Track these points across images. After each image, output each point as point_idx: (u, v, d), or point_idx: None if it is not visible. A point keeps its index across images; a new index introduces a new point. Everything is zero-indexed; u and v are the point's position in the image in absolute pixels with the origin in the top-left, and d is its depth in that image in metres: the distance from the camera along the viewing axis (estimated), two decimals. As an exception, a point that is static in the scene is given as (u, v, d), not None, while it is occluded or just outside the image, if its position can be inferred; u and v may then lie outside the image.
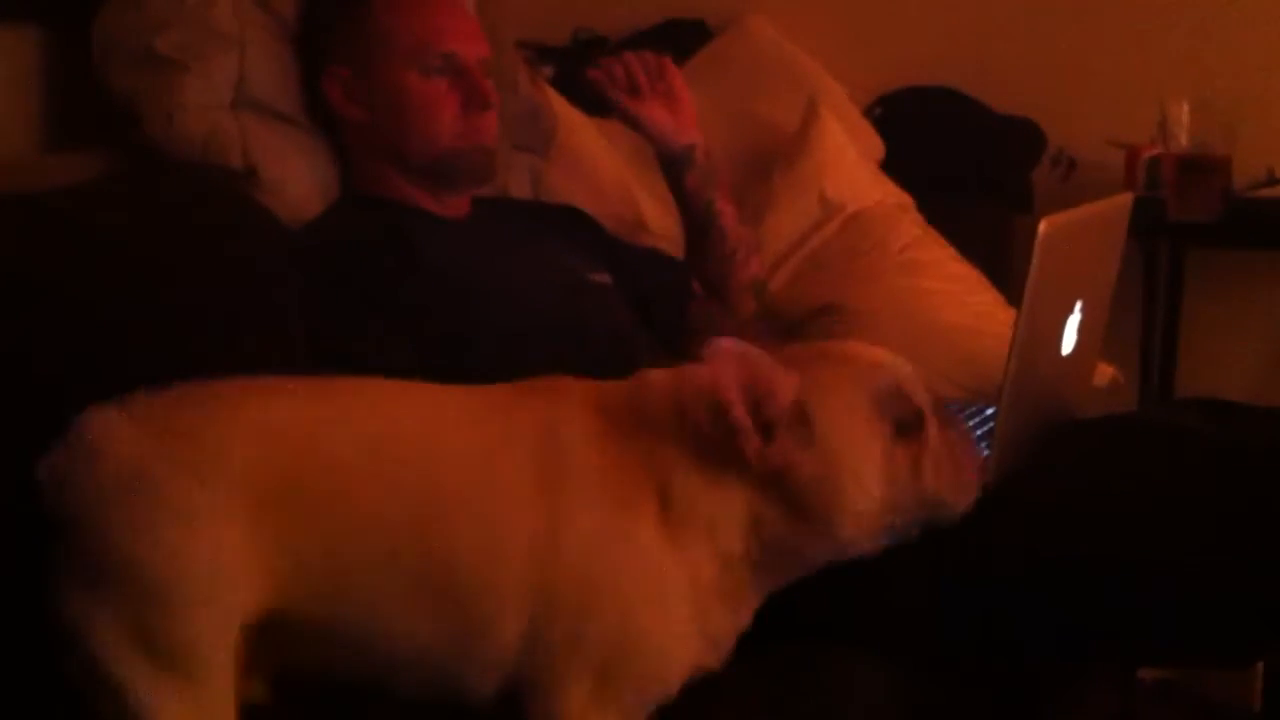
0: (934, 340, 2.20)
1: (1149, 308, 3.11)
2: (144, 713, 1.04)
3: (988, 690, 1.42)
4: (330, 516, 1.08)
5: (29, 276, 1.31)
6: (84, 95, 1.76)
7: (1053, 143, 3.10)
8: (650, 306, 1.87)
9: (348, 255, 1.64)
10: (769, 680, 1.29)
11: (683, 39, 2.86)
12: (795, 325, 2.29)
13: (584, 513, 1.11)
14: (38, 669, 1.08)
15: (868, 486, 1.13)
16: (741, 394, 1.08)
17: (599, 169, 2.35)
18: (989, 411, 1.72)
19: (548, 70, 2.56)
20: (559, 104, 2.33)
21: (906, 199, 2.63)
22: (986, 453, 1.32)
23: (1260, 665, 1.71)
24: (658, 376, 1.19)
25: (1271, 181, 2.89)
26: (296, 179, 1.76)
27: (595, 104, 2.38)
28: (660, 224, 2.28)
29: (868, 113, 3.00)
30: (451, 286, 1.63)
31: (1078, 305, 1.47)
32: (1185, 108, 2.86)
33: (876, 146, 2.83)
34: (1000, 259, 2.67)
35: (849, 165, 2.60)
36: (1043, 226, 1.28)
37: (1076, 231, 1.44)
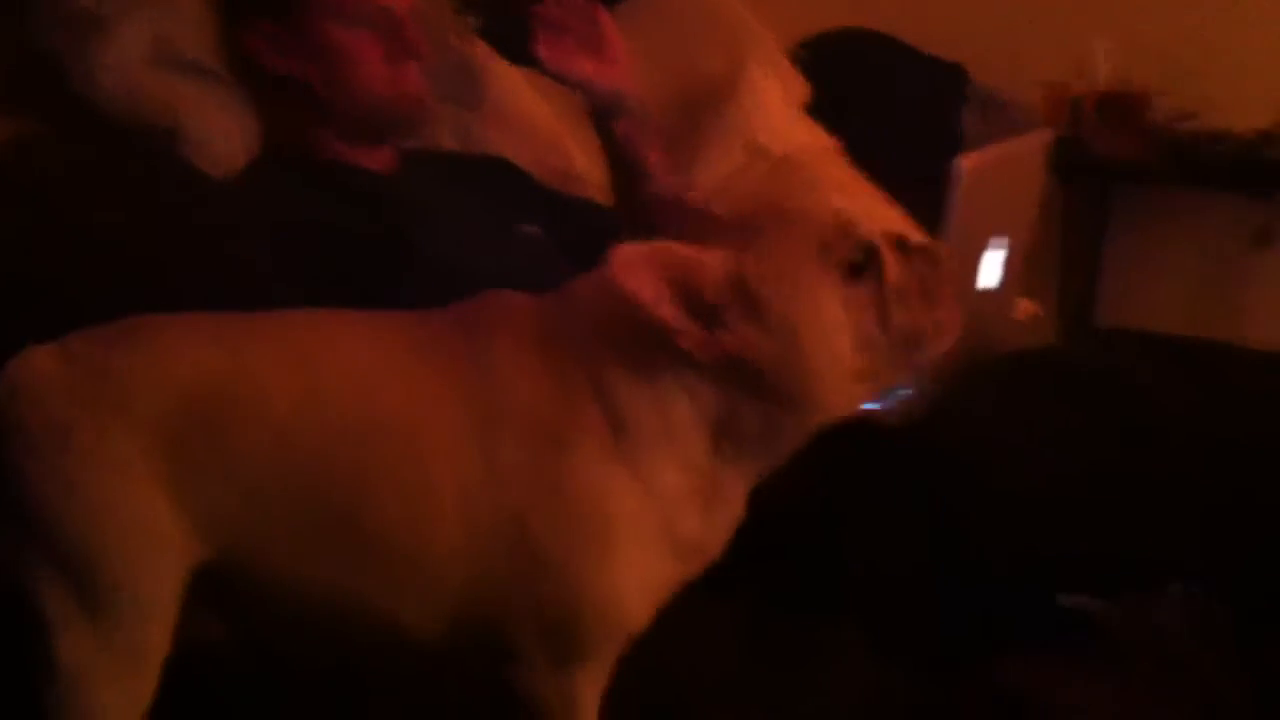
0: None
1: (1069, 243, 3.17)
2: (67, 656, 1.03)
3: (876, 632, 1.44)
4: (252, 465, 1.06)
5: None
6: (7, 55, 1.73)
7: (977, 83, 3.14)
8: (582, 256, 1.87)
9: (275, 210, 1.63)
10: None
11: (609, -14, 2.85)
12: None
13: (518, 449, 1.06)
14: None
15: (831, 343, 1.06)
16: (667, 290, 1.03)
17: (528, 120, 2.35)
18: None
19: (475, 20, 2.55)
20: (487, 55, 2.32)
21: (833, 141, 2.64)
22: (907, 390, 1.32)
23: (1175, 597, 1.76)
24: (584, 289, 1.14)
25: (1190, 117, 2.95)
26: (221, 135, 1.75)
27: (524, 53, 2.38)
28: (590, 173, 2.28)
29: (794, 56, 3.02)
30: (380, 240, 1.63)
31: (999, 241, 1.51)
32: (1105, 47, 2.90)
33: (803, 89, 2.84)
34: (929, 198, 2.70)
35: (777, 110, 2.62)
36: (964, 164, 1.31)
37: (997, 169, 1.47)
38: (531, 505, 1.06)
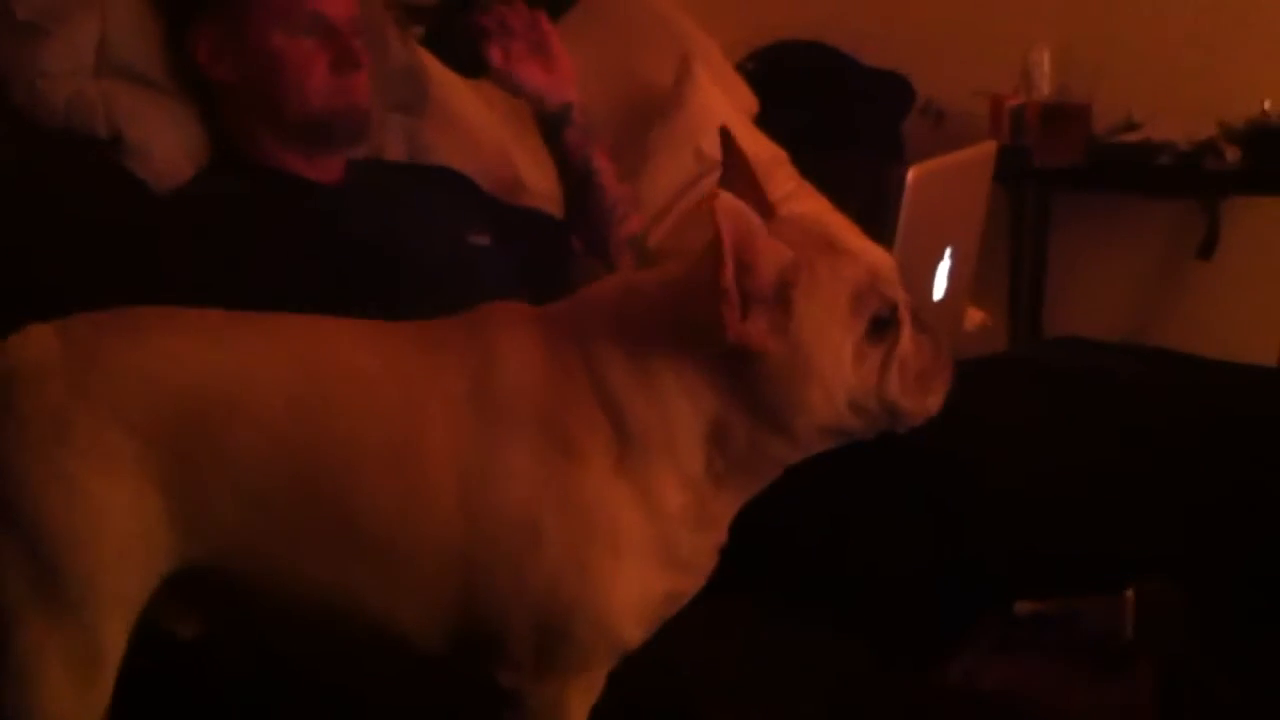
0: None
1: (1016, 252, 3.20)
2: (22, 649, 1.01)
3: (879, 633, 1.45)
4: (247, 465, 1.04)
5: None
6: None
7: (921, 94, 3.17)
8: (530, 266, 1.87)
9: (220, 223, 1.61)
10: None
11: (555, -3, 2.86)
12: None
13: (520, 454, 1.05)
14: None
15: (833, 392, 1.06)
16: (733, 254, 1.01)
17: (475, 129, 2.34)
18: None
19: (418, 30, 2.53)
20: (431, 63, 2.32)
21: (781, 153, 2.66)
22: None
23: (1132, 595, 1.78)
24: (589, 296, 1.13)
25: (1131, 126, 2.99)
26: (163, 144, 1.73)
27: (469, 63, 2.37)
28: (538, 183, 2.28)
29: (741, 68, 3.03)
30: (327, 251, 1.62)
31: (947, 251, 1.51)
32: (1046, 57, 2.94)
33: (750, 101, 2.85)
34: (874, 209, 2.71)
35: (723, 120, 2.62)
36: (910, 174, 1.31)
37: (943, 179, 1.47)
38: (535, 513, 1.05)
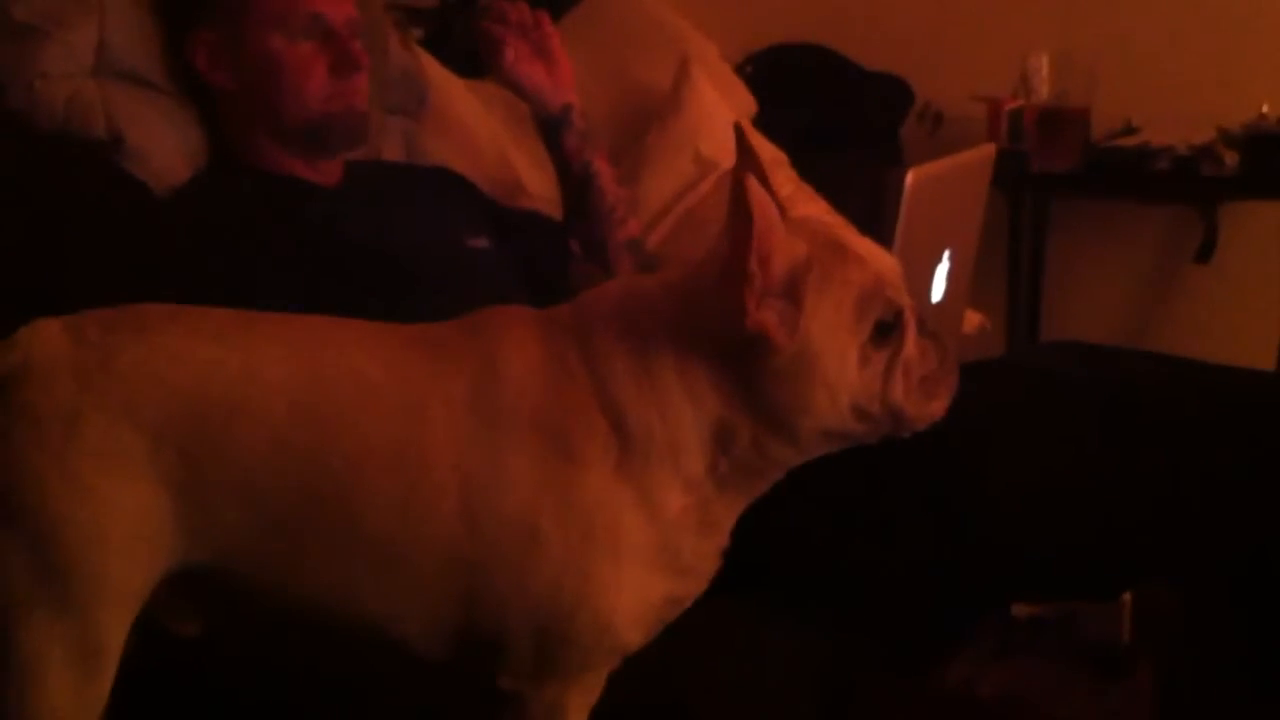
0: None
1: (1014, 256, 3.21)
2: (25, 644, 1.01)
3: (884, 637, 1.45)
4: (250, 466, 1.04)
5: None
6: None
7: (919, 97, 3.17)
8: (529, 269, 1.87)
9: (219, 225, 1.61)
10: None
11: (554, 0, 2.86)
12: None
13: (521, 457, 1.05)
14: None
15: (837, 395, 1.06)
16: (759, 238, 1.01)
17: (473, 131, 2.34)
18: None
19: (418, 32, 2.54)
20: (431, 66, 2.32)
21: (780, 155, 2.66)
22: None
23: (1130, 600, 1.79)
24: (600, 295, 1.13)
25: (1129, 131, 2.99)
26: (163, 147, 1.73)
27: (468, 65, 2.37)
28: (537, 186, 2.28)
29: (739, 70, 3.03)
30: (326, 253, 1.62)
31: (945, 254, 1.51)
32: (1045, 61, 2.94)
33: (749, 103, 2.86)
34: (872, 212, 2.70)
35: (722, 123, 2.63)
36: (909, 178, 1.31)
37: (942, 182, 1.48)
38: (535, 516, 1.05)
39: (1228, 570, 1.37)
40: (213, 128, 1.78)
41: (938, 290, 1.51)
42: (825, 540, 1.42)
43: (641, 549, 1.06)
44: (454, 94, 2.35)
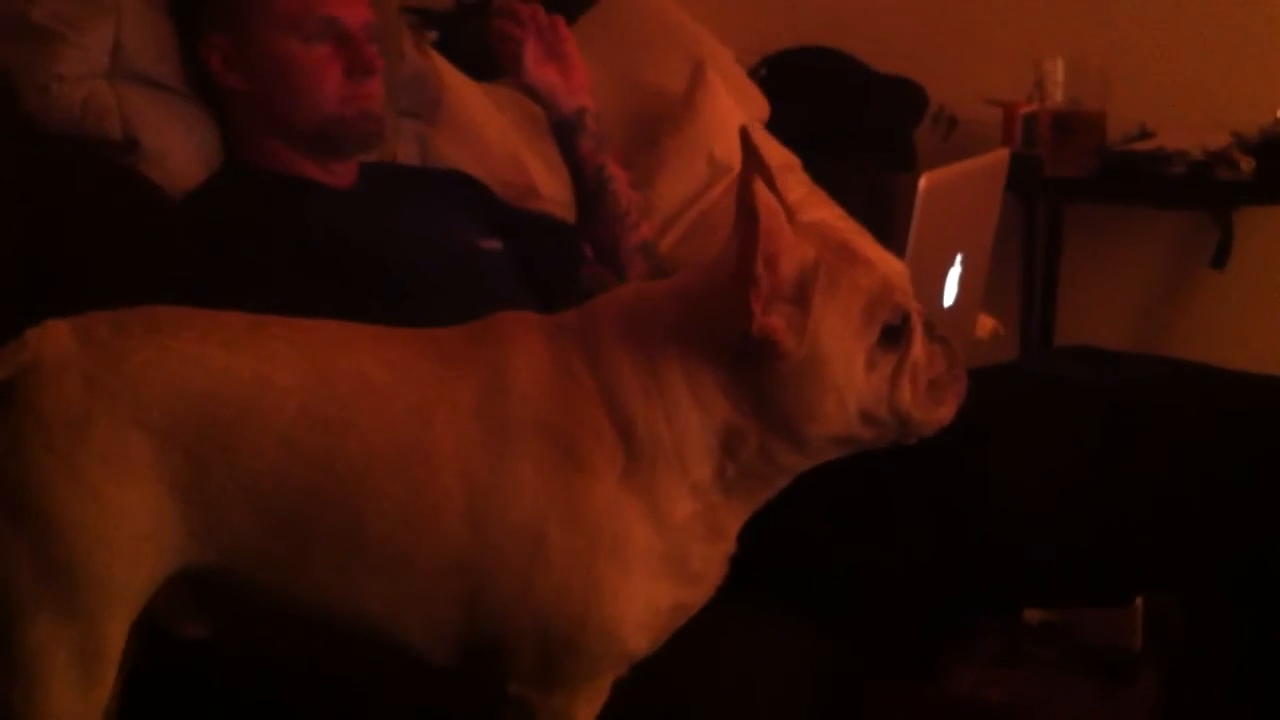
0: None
1: (1028, 261, 3.20)
2: (28, 645, 1.02)
3: (887, 641, 1.45)
4: (256, 470, 1.04)
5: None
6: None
7: (934, 101, 3.16)
8: (541, 271, 1.87)
9: (234, 226, 1.62)
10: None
11: (568, 3, 2.86)
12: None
13: (528, 464, 1.04)
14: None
15: (845, 399, 1.06)
16: (765, 243, 1.01)
17: (487, 134, 2.35)
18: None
19: (433, 35, 2.54)
20: (445, 69, 2.32)
21: (793, 159, 2.66)
22: None
23: (1140, 606, 1.78)
24: (608, 301, 1.13)
25: (1143, 136, 2.98)
26: (178, 149, 1.74)
27: (482, 68, 2.37)
28: (549, 188, 2.28)
29: (753, 74, 3.03)
30: (340, 255, 1.62)
31: (958, 258, 1.51)
32: (1060, 66, 2.93)
33: (762, 107, 2.86)
34: (885, 215, 2.72)
35: (736, 126, 2.62)
36: (923, 182, 1.32)
37: (956, 186, 1.48)
38: (542, 523, 1.05)
39: (1229, 573, 1.37)
40: (227, 130, 1.78)
41: (950, 294, 1.51)
42: (825, 540, 1.42)
43: (649, 556, 1.06)
44: (468, 97, 2.36)
